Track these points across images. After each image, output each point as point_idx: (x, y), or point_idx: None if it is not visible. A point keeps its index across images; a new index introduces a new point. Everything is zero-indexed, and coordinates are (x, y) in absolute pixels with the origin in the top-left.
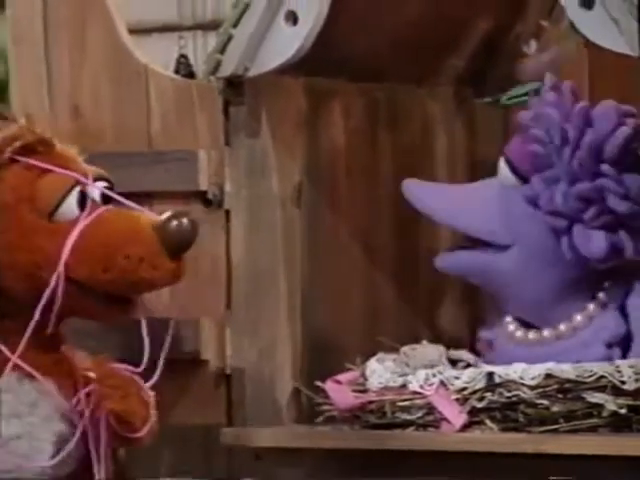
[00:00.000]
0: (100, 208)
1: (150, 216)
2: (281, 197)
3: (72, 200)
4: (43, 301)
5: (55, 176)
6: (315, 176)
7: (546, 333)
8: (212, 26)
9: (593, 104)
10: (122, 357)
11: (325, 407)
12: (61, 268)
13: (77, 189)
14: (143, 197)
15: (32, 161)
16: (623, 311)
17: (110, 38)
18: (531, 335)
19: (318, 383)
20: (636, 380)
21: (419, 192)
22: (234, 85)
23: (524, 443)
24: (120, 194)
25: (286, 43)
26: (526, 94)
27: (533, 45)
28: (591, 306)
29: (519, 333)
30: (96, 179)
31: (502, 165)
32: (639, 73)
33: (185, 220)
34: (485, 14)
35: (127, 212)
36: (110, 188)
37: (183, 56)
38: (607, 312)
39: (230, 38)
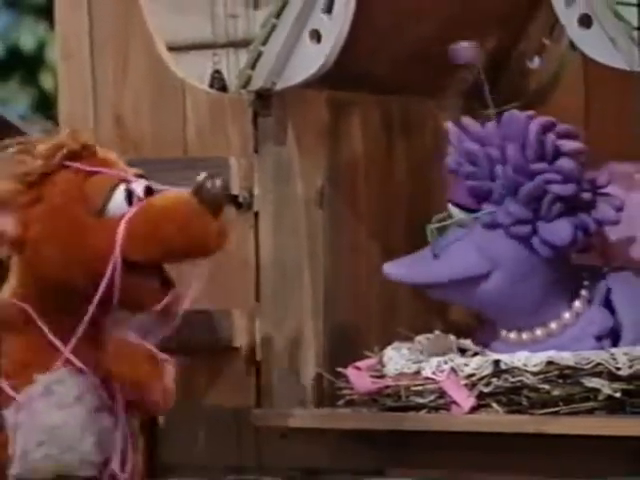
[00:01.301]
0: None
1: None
2: (305, 200)
3: (119, 196)
4: (101, 289)
5: (101, 177)
6: (336, 180)
7: (538, 332)
8: (243, 44)
9: (540, 120)
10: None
11: (346, 391)
12: (117, 254)
13: (122, 186)
14: None
15: (79, 165)
16: (609, 306)
17: (150, 55)
18: (524, 336)
19: (339, 369)
20: (630, 366)
21: (397, 271)
22: (263, 98)
23: (527, 424)
24: None
25: (310, 60)
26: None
27: (536, 61)
28: (576, 304)
29: (512, 335)
30: (136, 175)
31: (452, 209)
32: (635, 86)
33: (217, 179)
34: (492, 33)
35: (165, 192)
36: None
37: (217, 71)
38: (593, 308)
39: (260, 55)
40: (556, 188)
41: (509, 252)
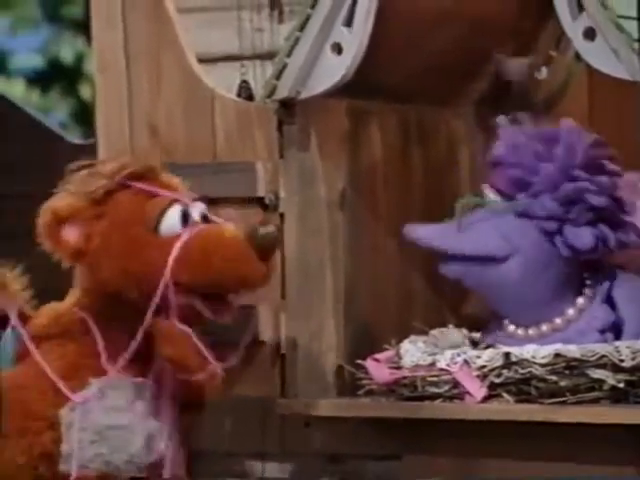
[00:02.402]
0: (201, 225)
1: (241, 227)
2: (327, 202)
3: (174, 215)
4: (155, 303)
5: (159, 197)
6: (356, 184)
7: (544, 328)
8: (269, 56)
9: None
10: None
11: (365, 382)
12: (168, 274)
13: (177, 207)
14: (209, 203)
15: (140, 185)
16: (611, 302)
17: (182, 67)
18: (531, 331)
19: (359, 361)
20: (633, 358)
21: (421, 232)
22: (287, 107)
23: (536, 413)
24: None
25: (332, 71)
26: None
27: (544, 72)
28: (580, 300)
29: (520, 331)
30: (195, 200)
31: (489, 192)
32: (637, 95)
33: (271, 226)
34: (502, 45)
35: (222, 225)
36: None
37: (244, 82)
38: (595, 304)
39: (284, 66)
40: (591, 197)
41: (532, 242)
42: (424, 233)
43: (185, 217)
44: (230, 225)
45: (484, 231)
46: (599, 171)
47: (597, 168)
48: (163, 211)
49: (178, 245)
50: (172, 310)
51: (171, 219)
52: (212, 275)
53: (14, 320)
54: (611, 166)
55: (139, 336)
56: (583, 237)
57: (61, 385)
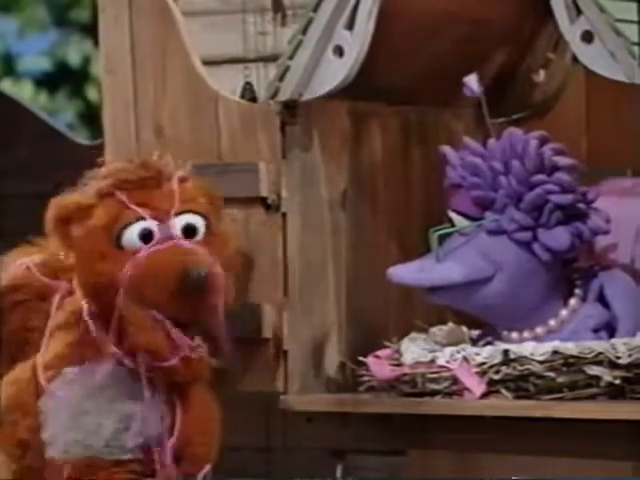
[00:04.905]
0: (161, 244)
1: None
2: (329, 202)
3: (134, 232)
4: (116, 315)
5: (130, 210)
6: (357, 184)
7: (539, 330)
8: (272, 59)
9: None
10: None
11: (366, 378)
12: (121, 292)
13: (140, 224)
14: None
15: (120, 195)
16: (602, 302)
17: (187, 69)
18: (526, 334)
19: (361, 358)
20: (629, 355)
21: (404, 274)
22: (290, 108)
23: (534, 409)
24: None
25: (334, 73)
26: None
27: (542, 74)
28: (572, 301)
29: (514, 334)
30: (188, 213)
31: (456, 218)
32: (634, 99)
33: (204, 267)
34: (501, 48)
35: (174, 251)
36: (206, 219)
37: (248, 84)
38: (588, 304)
39: (287, 69)
40: (556, 198)
41: (512, 256)
42: (407, 275)
43: (146, 235)
44: (187, 249)
45: (464, 256)
46: (554, 168)
47: (551, 167)
48: (126, 226)
49: (130, 263)
50: (130, 322)
51: (131, 235)
52: (147, 301)
53: (56, 303)
54: (563, 160)
55: (111, 331)
56: (559, 237)
57: (40, 376)
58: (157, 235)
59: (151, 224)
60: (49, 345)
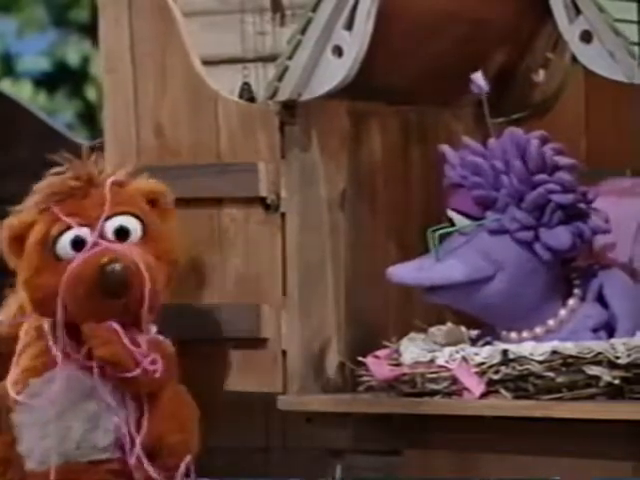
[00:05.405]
0: (92, 250)
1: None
2: (328, 202)
3: (65, 241)
4: (61, 326)
5: (61, 221)
6: (357, 184)
7: (538, 330)
8: (271, 58)
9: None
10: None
11: (365, 378)
12: (59, 302)
13: (70, 233)
14: (213, 202)
15: (54, 208)
16: (601, 301)
17: (186, 68)
18: (525, 334)
19: (360, 358)
20: (628, 355)
21: (403, 274)
22: (289, 108)
23: (534, 409)
24: (193, 200)
25: (333, 73)
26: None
27: (541, 74)
28: (571, 302)
29: (513, 334)
30: (113, 216)
31: (456, 217)
32: (633, 97)
33: (118, 265)
34: (500, 48)
35: (99, 254)
36: (141, 220)
37: (246, 84)
38: (586, 304)
39: (286, 69)
40: (557, 197)
41: (513, 256)
42: (407, 274)
43: (77, 242)
44: (100, 254)
45: (464, 256)
46: (555, 168)
47: (553, 166)
48: (57, 237)
49: (65, 276)
50: (88, 335)
51: (64, 245)
52: (73, 308)
53: (25, 328)
54: (563, 160)
55: (59, 340)
56: (560, 237)
57: (11, 390)
58: (89, 241)
59: (81, 231)
60: (18, 363)
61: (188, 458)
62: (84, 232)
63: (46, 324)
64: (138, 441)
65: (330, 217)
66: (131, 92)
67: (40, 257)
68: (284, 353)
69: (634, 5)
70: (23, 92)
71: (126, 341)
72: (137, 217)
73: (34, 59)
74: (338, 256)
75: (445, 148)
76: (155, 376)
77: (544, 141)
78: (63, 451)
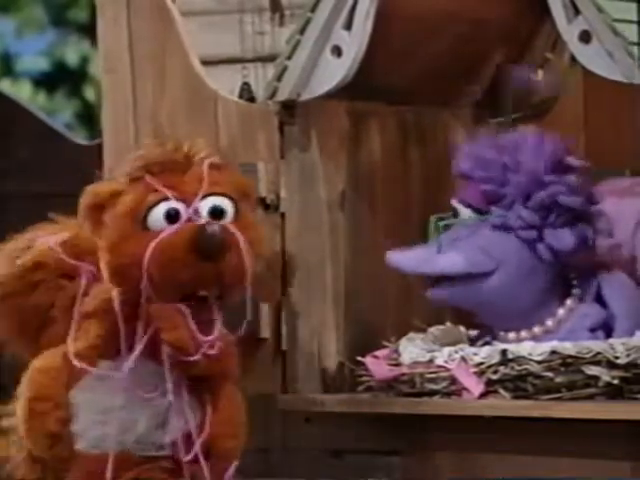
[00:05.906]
0: (191, 223)
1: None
2: (327, 202)
3: (159, 212)
4: (144, 298)
5: (156, 192)
6: (356, 184)
7: (536, 330)
8: (270, 59)
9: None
10: None
11: (365, 378)
12: (144, 272)
13: (165, 204)
14: None
15: (149, 179)
16: (599, 301)
17: (186, 68)
18: (523, 334)
19: (359, 358)
20: (627, 355)
21: (402, 260)
22: (288, 108)
23: (532, 409)
24: None
25: (332, 73)
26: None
27: (540, 74)
28: (569, 301)
29: (511, 334)
30: (209, 195)
31: (462, 209)
32: (632, 99)
33: (216, 226)
34: (499, 48)
35: (188, 228)
36: (235, 204)
37: (246, 84)
38: (585, 304)
39: (285, 69)
40: (565, 199)
41: (513, 253)
42: (406, 261)
43: (171, 215)
44: (191, 227)
45: (465, 249)
46: (565, 170)
47: (563, 167)
48: (151, 207)
49: (152, 244)
50: (156, 316)
51: (156, 215)
52: (161, 278)
53: (82, 287)
54: (574, 161)
55: (140, 322)
56: (564, 238)
57: (71, 365)
58: (183, 216)
59: (177, 205)
60: (79, 333)
61: (234, 464)
62: (180, 206)
63: (117, 304)
64: (198, 442)
65: (329, 217)
66: (130, 92)
67: (128, 225)
68: (283, 353)
69: (633, 5)
70: (22, 92)
71: (191, 324)
72: (232, 200)
73: (33, 59)
74: (337, 256)
75: (463, 136)
76: (214, 361)
77: (555, 142)
78: (121, 440)
